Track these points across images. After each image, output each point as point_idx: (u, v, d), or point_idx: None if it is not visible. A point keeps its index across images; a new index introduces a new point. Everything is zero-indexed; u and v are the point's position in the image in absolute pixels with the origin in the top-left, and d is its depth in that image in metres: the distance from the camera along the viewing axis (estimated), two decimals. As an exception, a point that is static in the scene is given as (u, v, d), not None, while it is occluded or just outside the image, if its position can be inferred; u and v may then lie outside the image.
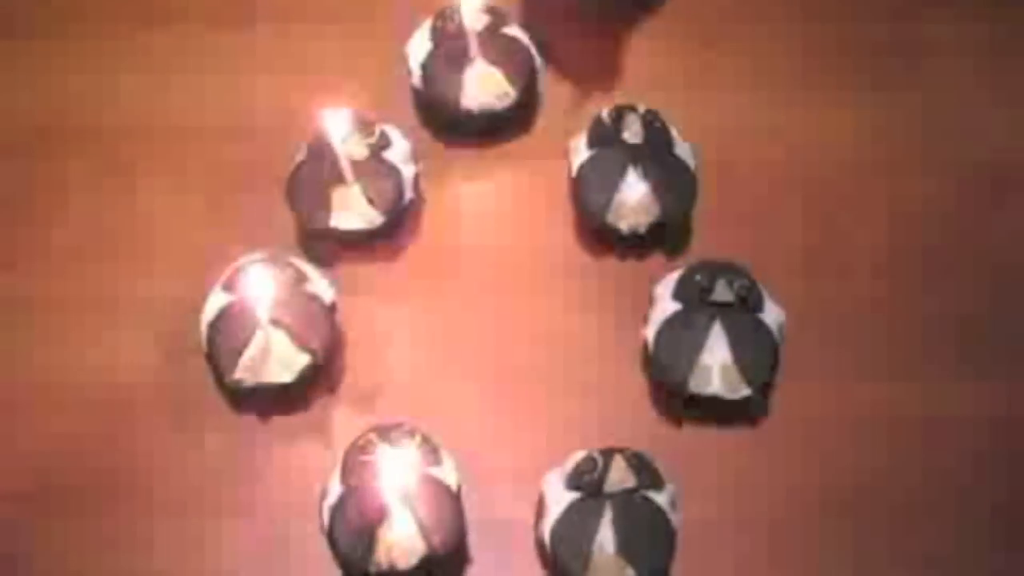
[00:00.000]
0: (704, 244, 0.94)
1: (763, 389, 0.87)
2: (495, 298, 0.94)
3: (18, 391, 0.92)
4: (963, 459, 0.88)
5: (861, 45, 1.02)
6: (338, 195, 0.91)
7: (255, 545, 0.87)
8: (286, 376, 0.87)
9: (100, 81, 1.02)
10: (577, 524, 0.82)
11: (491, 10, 0.97)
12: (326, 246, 0.94)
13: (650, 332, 0.88)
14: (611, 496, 0.82)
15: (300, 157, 0.93)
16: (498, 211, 0.97)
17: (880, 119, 0.99)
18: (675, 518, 0.82)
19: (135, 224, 0.97)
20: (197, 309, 0.89)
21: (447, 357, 0.92)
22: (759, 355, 0.86)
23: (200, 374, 0.90)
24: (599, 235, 0.93)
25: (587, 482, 0.82)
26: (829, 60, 1.01)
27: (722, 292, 0.86)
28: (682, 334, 0.86)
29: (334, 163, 0.90)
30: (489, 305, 0.93)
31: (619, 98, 0.95)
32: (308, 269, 0.90)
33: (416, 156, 0.94)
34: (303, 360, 0.87)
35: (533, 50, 0.97)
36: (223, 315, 0.87)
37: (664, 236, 0.93)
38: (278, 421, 0.90)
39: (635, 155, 0.91)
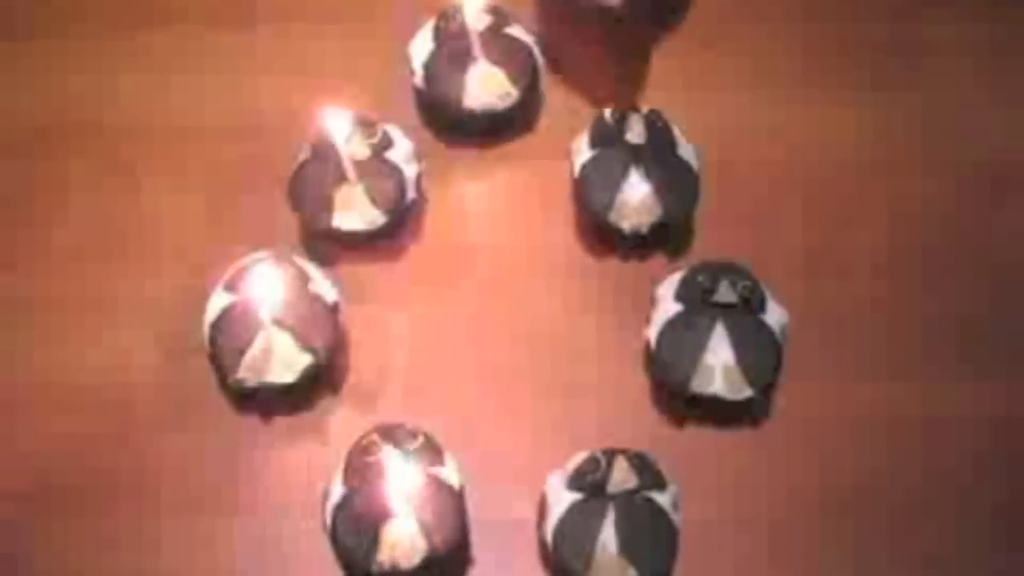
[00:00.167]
0: (706, 245, 0.94)
1: (765, 390, 0.87)
2: (497, 298, 0.94)
3: (18, 391, 0.92)
4: (963, 459, 0.88)
5: (861, 45, 1.02)
6: (340, 195, 0.91)
7: (257, 545, 0.87)
8: (288, 376, 0.87)
9: (100, 81, 1.02)
10: (579, 525, 0.81)
11: (493, 10, 0.97)
12: (328, 246, 0.94)
13: (652, 333, 0.88)
14: (613, 497, 0.82)
15: (302, 157, 0.93)
16: (500, 211, 0.97)
17: (880, 119, 0.99)
18: (677, 519, 0.82)
19: (136, 224, 0.97)
20: (199, 309, 0.89)
21: (450, 357, 0.92)
22: (762, 356, 0.86)
23: (202, 374, 0.90)
24: (601, 235, 0.93)
25: (589, 483, 0.82)
26: (829, 60, 1.01)
27: (724, 293, 0.86)
28: (684, 335, 0.86)
29: (336, 163, 0.90)
30: (491, 305, 0.93)
31: (620, 99, 0.95)
32: (310, 269, 0.90)
33: (418, 156, 0.94)
34: (305, 360, 0.87)
35: (535, 50, 0.97)
36: (225, 315, 0.87)
37: (666, 236, 0.93)
38: (280, 421, 0.90)
39: (637, 155, 0.91)
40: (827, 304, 0.93)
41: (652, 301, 0.89)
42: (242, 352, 0.86)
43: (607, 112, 0.93)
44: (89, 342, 0.93)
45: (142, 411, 0.91)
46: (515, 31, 0.97)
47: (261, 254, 0.90)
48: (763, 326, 0.86)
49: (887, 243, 0.95)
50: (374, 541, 0.81)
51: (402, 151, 0.93)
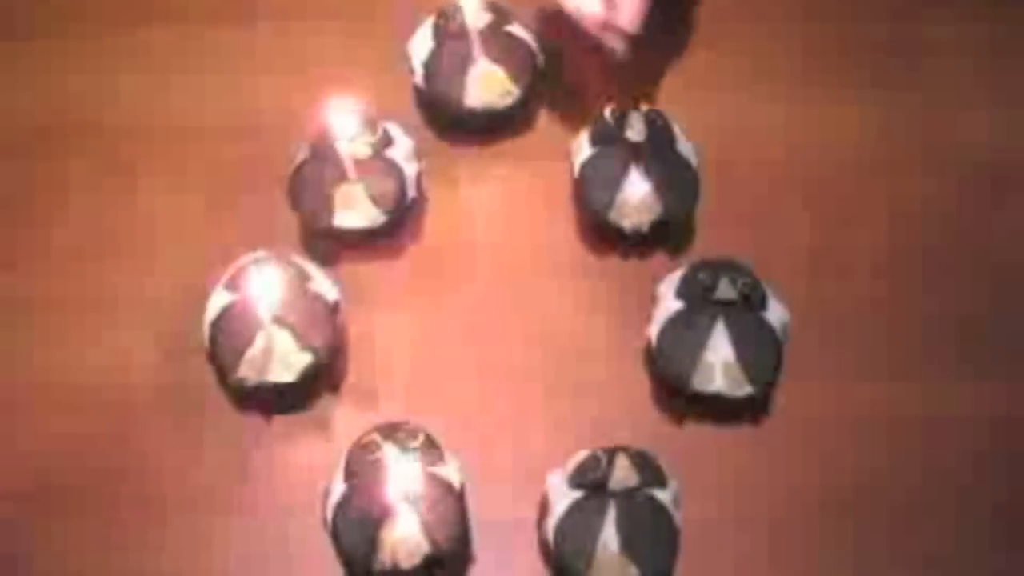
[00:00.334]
0: (706, 243, 0.94)
1: (766, 388, 0.87)
2: (498, 296, 0.94)
3: (18, 391, 0.92)
4: (963, 458, 0.88)
5: (861, 45, 1.02)
6: (341, 194, 0.91)
7: (258, 544, 0.87)
8: (289, 375, 0.87)
9: (100, 81, 1.02)
10: (581, 523, 0.81)
11: (493, 8, 0.97)
12: (329, 245, 0.94)
13: (653, 330, 0.88)
14: (614, 494, 0.82)
15: (302, 156, 0.93)
16: (500, 210, 0.97)
17: (880, 118, 0.99)
18: (678, 516, 0.82)
19: (136, 224, 0.97)
20: (198, 309, 0.89)
21: (450, 356, 0.92)
22: (762, 353, 0.86)
23: (202, 373, 0.90)
24: (602, 233, 0.94)
25: (591, 480, 0.82)
26: (829, 60, 1.02)
27: (725, 290, 0.86)
28: (685, 332, 0.86)
29: (336, 162, 0.90)
30: (492, 303, 0.93)
31: (621, 98, 0.95)
32: (311, 268, 0.90)
33: (419, 155, 0.94)
34: (306, 359, 0.87)
35: (535, 48, 0.97)
36: (226, 314, 0.87)
37: (667, 235, 0.93)
38: (280, 420, 0.90)
39: (638, 153, 0.91)
40: (827, 303, 0.93)
41: (653, 299, 0.89)
42: (242, 351, 0.86)
43: (607, 110, 0.93)
44: (89, 342, 0.93)
45: (142, 411, 0.91)
46: (515, 29, 0.97)
47: (261, 253, 0.90)
48: (764, 324, 0.87)
49: (887, 242, 0.95)
50: (375, 540, 0.81)
51: (402, 150, 0.93)
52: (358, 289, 0.92)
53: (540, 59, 0.98)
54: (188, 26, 1.04)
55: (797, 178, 0.97)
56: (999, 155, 0.98)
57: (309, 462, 0.88)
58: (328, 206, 0.91)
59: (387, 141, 0.93)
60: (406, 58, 0.97)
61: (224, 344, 0.87)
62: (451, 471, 0.83)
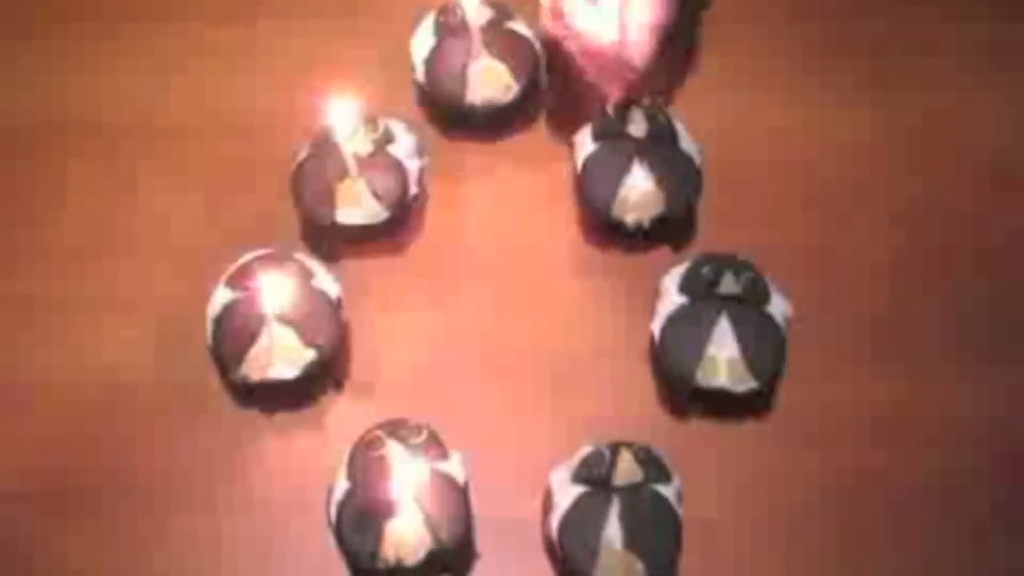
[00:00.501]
0: (708, 239, 0.94)
1: (770, 382, 0.87)
2: (500, 293, 0.94)
3: (19, 391, 0.91)
4: (965, 457, 0.88)
5: (861, 44, 1.02)
6: (343, 190, 0.91)
7: (261, 542, 0.86)
8: (291, 372, 0.87)
9: (101, 80, 1.02)
10: (585, 518, 0.81)
11: (494, 5, 0.97)
12: (331, 242, 0.94)
13: (656, 325, 0.87)
14: (618, 490, 0.82)
15: (304, 153, 0.93)
16: (503, 205, 0.97)
17: (880, 118, 0.99)
18: (682, 511, 0.82)
19: (136, 223, 0.97)
20: (200, 308, 0.89)
21: (453, 352, 0.92)
22: (766, 348, 0.86)
23: (204, 371, 0.90)
24: (604, 229, 0.94)
25: (595, 476, 0.82)
26: (830, 59, 1.02)
27: (728, 285, 0.86)
28: (688, 327, 0.86)
29: (338, 159, 0.90)
30: (495, 299, 0.93)
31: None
32: (313, 265, 0.90)
33: (420, 151, 0.94)
34: (309, 356, 0.87)
35: (536, 44, 0.97)
36: (228, 311, 0.87)
37: (669, 230, 0.93)
38: (284, 417, 0.90)
39: (640, 148, 0.91)
40: (829, 301, 0.93)
41: (656, 294, 0.89)
42: (245, 348, 0.86)
43: (609, 106, 0.93)
44: (89, 342, 0.93)
45: (144, 410, 0.90)
46: (516, 25, 0.97)
47: (264, 250, 0.89)
48: (767, 318, 0.87)
49: (888, 241, 0.95)
50: (379, 537, 0.80)
51: (404, 146, 0.93)
52: (361, 285, 0.92)
53: (541, 55, 0.98)
54: (188, 24, 1.04)
55: (798, 176, 0.97)
56: (1000, 155, 0.98)
57: (312, 459, 0.87)
58: (330, 203, 0.91)
59: (389, 138, 0.92)
60: (407, 55, 0.97)
61: (227, 341, 0.87)
62: (455, 467, 0.83)
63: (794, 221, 0.96)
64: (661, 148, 0.91)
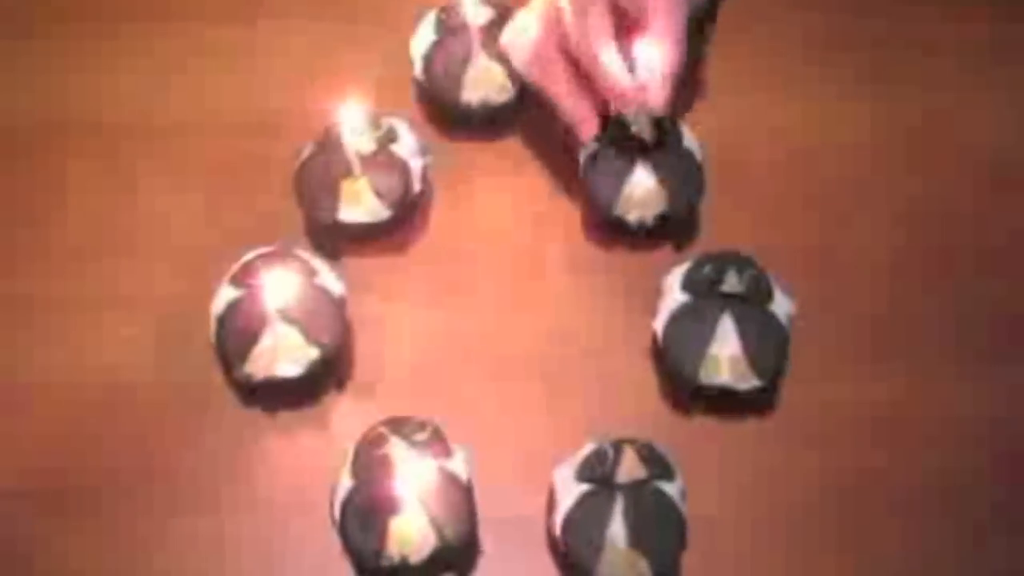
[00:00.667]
0: (711, 238, 0.94)
1: (773, 380, 0.87)
2: (504, 291, 0.94)
3: (19, 391, 0.91)
4: (966, 456, 0.88)
5: (862, 44, 1.03)
6: (346, 189, 0.91)
7: (265, 541, 0.86)
8: (295, 370, 0.87)
9: (101, 79, 1.02)
10: (588, 516, 0.81)
11: (495, 5, 0.97)
12: (334, 240, 0.94)
13: (659, 324, 0.88)
14: (622, 488, 0.82)
15: (307, 151, 0.93)
16: (506, 204, 0.97)
17: (880, 118, 1.00)
18: (686, 509, 0.82)
19: (138, 222, 0.97)
20: (203, 306, 0.89)
21: (456, 350, 0.92)
22: (768, 346, 0.86)
23: (207, 370, 0.90)
24: (607, 227, 0.94)
25: (598, 474, 0.82)
26: (830, 58, 1.02)
27: (731, 283, 0.87)
28: (691, 325, 0.87)
29: (342, 157, 0.90)
30: (498, 298, 0.93)
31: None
32: (317, 263, 0.90)
33: (424, 150, 0.94)
34: (312, 354, 0.87)
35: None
36: (232, 309, 0.87)
37: (672, 228, 0.93)
38: (287, 415, 0.89)
39: (642, 147, 0.91)
40: (830, 300, 0.93)
41: (658, 292, 0.89)
42: (249, 346, 0.86)
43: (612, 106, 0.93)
44: (91, 341, 0.92)
45: (146, 409, 0.90)
46: (517, 26, 0.97)
47: (267, 249, 0.89)
48: (770, 316, 0.87)
49: (889, 241, 0.95)
50: (383, 534, 0.80)
51: (407, 145, 0.93)
52: (364, 283, 0.92)
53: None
54: (188, 24, 1.04)
55: (799, 175, 0.98)
56: (1000, 154, 0.99)
57: (316, 457, 0.87)
58: (333, 201, 0.91)
59: (392, 136, 0.93)
60: (409, 55, 0.97)
61: (230, 339, 0.87)
62: (459, 465, 0.83)
63: (795, 220, 0.96)
64: (663, 147, 0.91)
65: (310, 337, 0.86)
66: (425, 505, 0.81)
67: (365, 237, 0.93)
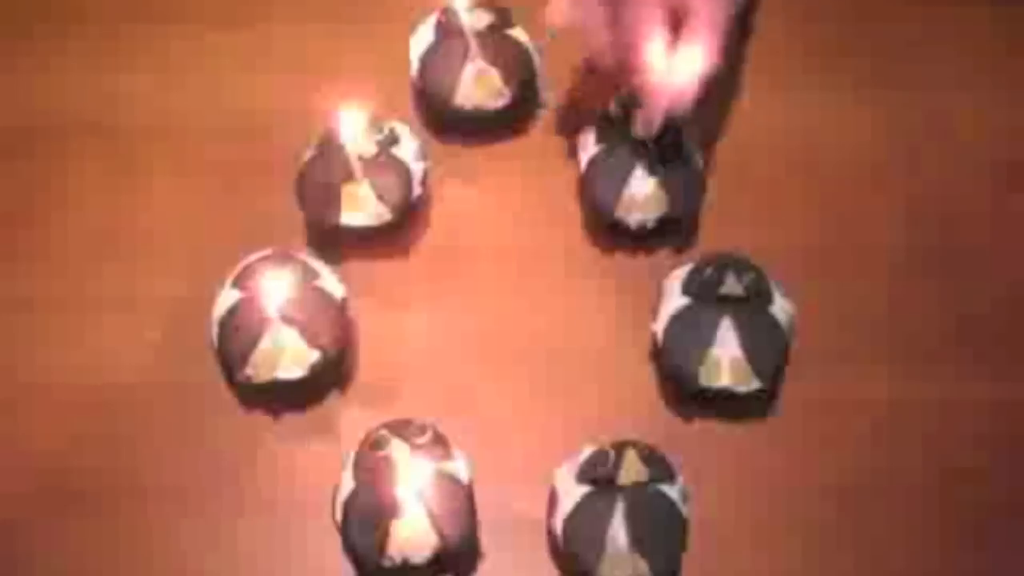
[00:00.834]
0: (712, 240, 0.94)
1: (773, 382, 0.87)
2: (505, 294, 0.94)
3: (19, 391, 0.91)
4: (972, 456, 0.89)
5: (862, 45, 1.03)
6: (347, 192, 0.91)
7: (266, 543, 0.87)
8: (296, 373, 0.87)
9: (103, 81, 1.02)
10: (589, 518, 0.81)
11: (496, 11, 0.97)
12: (335, 243, 0.94)
13: (660, 326, 0.88)
14: (623, 489, 0.82)
15: (309, 155, 0.93)
16: (507, 207, 0.97)
17: (880, 118, 1.00)
18: (687, 511, 0.83)
19: (140, 223, 0.97)
20: (204, 308, 0.89)
21: (457, 353, 0.92)
22: (769, 348, 0.87)
23: (209, 372, 0.90)
24: (608, 230, 0.94)
25: (599, 476, 0.82)
26: (830, 59, 1.02)
27: (731, 285, 0.87)
28: (692, 328, 0.87)
29: (343, 160, 0.90)
30: (499, 301, 0.94)
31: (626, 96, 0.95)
32: (318, 266, 0.90)
33: (425, 153, 0.94)
34: (313, 357, 0.87)
35: (533, 53, 0.98)
36: (233, 312, 0.87)
37: (673, 231, 0.94)
38: (289, 418, 0.90)
39: (643, 150, 0.91)
40: (832, 300, 0.93)
41: (659, 294, 0.89)
42: (250, 349, 0.86)
43: (612, 108, 0.93)
44: (93, 342, 0.93)
45: (147, 411, 0.90)
46: (516, 33, 0.97)
47: (268, 251, 0.90)
48: (770, 318, 0.87)
49: (890, 241, 0.96)
50: (384, 536, 0.81)
51: (408, 148, 0.93)
52: (365, 287, 0.92)
53: (538, 63, 0.98)
54: (189, 27, 1.04)
55: (799, 176, 0.98)
56: (1000, 154, 0.99)
57: (317, 460, 0.88)
58: (335, 205, 0.91)
59: (393, 140, 0.93)
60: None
61: (232, 342, 0.87)
62: (459, 467, 0.83)
63: (795, 223, 0.96)
64: (670, 150, 0.92)
65: (311, 340, 0.87)
66: (426, 507, 0.81)
67: (366, 240, 0.93)
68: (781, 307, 0.88)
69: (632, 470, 0.82)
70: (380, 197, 0.91)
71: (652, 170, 0.91)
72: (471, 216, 0.97)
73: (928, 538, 0.86)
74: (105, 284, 0.95)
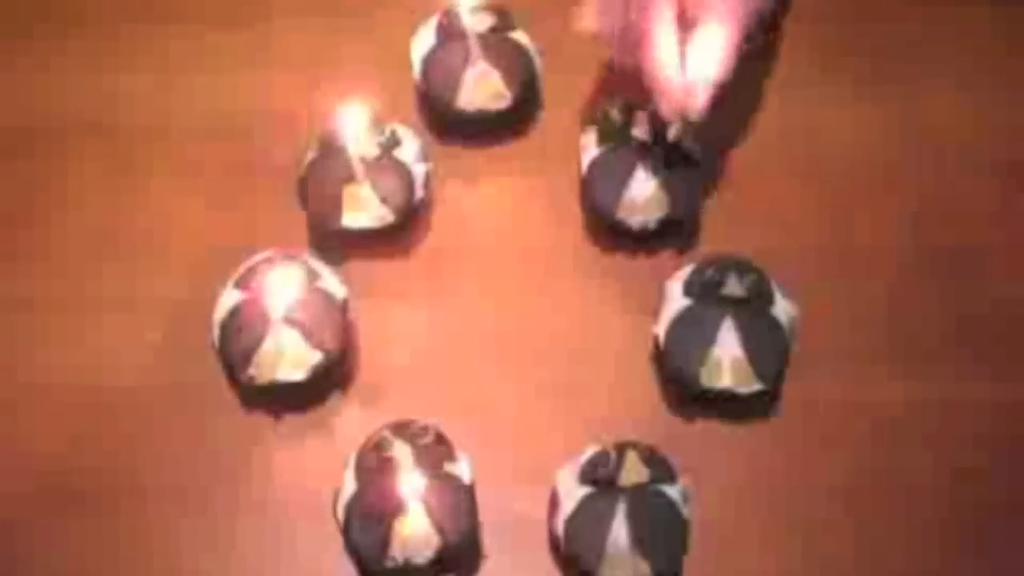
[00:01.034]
0: (713, 241, 0.95)
1: (775, 383, 0.88)
2: (506, 295, 0.94)
3: (19, 391, 0.91)
4: (974, 456, 0.89)
5: (862, 45, 1.03)
6: (349, 194, 0.91)
7: (268, 544, 0.87)
8: (298, 374, 0.87)
9: (104, 81, 1.02)
10: (591, 519, 0.82)
11: (497, 13, 0.97)
12: (337, 244, 0.94)
13: (661, 327, 0.88)
14: (624, 490, 0.82)
15: (311, 156, 0.93)
16: (508, 209, 0.97)
17: (880, 118, 1.00)
18: (688, 512, 0.83)
19: (142, 224, 0.97)
20: (206, 309, 0.89)
21: (459, 354, 0.92)
22: (770, 349, 0.87)
23: (210, 373, 0.90)
24: (609, 232, 0.94)
25: (600, 476, 0.82)
26: (831, 60, 1.02)
27: (733, 287, 0.87)
28: (693, 329, 0.87)
29: (345, 162, 0.90)
30: (500, 302, 0.94)
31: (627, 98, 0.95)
32: (320, 267, 0.90)
33: (427, 155, 0.94)
34: (315, 358, 0.87)
35: (535, 55, 0.98)
36: (235, 313, 0.87)
37: (674, 232, 0.94)
38: (290, 419, 0.90)
39: (644, 151, 0.91)
40: (834, 301, 0.93)
41: (661, 296, 0.89)
42: (252, 350, 0.86)
43: (614, 109, 0.93)
44: (92, 343, 0.93)
45: (148, 412, 0.90)
46: (518, 35, 0.98)
47: (270, 253, 0.90)
48: (772, 320, 0.87)
49: (892, 241, 0.95)
50: (386, 537, 0.81)
51: (410, 150, 0.93)
52: (367, 288, 0.92)
53: (539, 65, 0.98)
54: (195, 26, 1.04)
55: (800, 177, 0.98)
56: (1001, 154, 0.99)
57: (319, 461, 0.88)
58: (337, 206, 0.91)
59: (395, 141, 0.93)
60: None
61: (233, 343, 0.87)
62: (461, 468, 0.83)
63: (796, 224, 0.96)
64: (675, 153, 0.92)
65: (313, 341, 0.87)
66: (428, 507, 0.81)
67: (368, 241, 0.93)
68: (782, 308, 0.88)
69: (633, 471, 0.82)
70: (382, 199, 0.91)
71: (654, 172, 0.91)
72: (473, 218, 0.97)
73: (929, 538, 0.86)
74: (105, 284, 0.95)
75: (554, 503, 0.84)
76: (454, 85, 0.95)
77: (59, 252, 0.96)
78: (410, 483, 0.81)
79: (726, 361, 0.86)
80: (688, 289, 0.88)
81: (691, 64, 0.86)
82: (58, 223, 0.97)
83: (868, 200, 0.97)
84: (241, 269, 0.89)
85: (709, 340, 0.86)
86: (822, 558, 0.86)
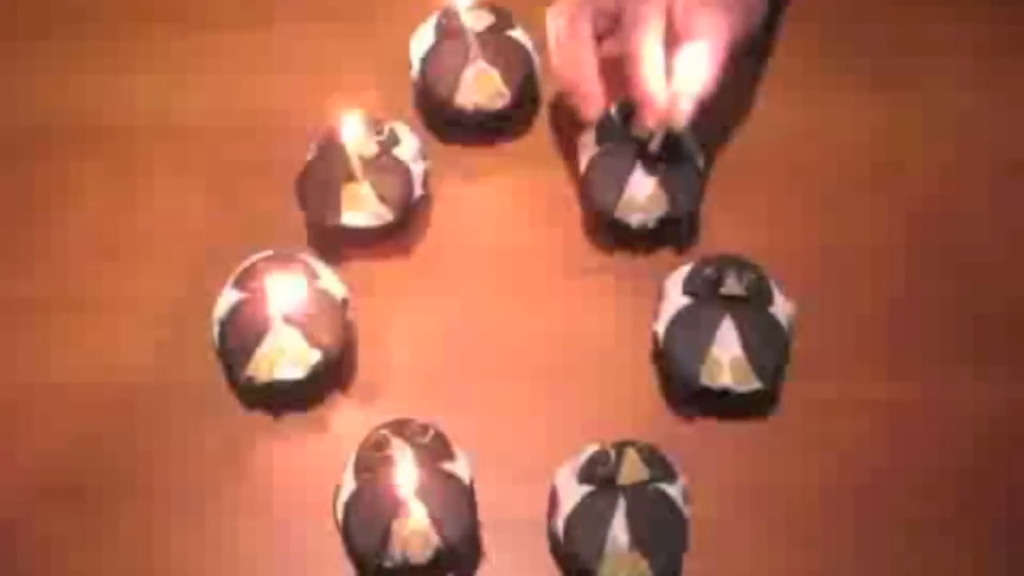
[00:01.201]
0: (712, 240, 0.94)
1: (774, 382, 0.87)
2: (506, 294, 0.94)
3: (20, 391, 0.91)
4: (973, 456, 0.89)
5: (862, 45, 1.03)
6: (348, 193, 0.91)
7: (267, 543, 0.86)
8: (298, 373, 0.87)
9: (104, 82, 1.02)
10: (590, 517, 0.82)
11: (496, 11, 0.97)
12: (337, 243, 0.94)
13: (660, 326, 0.88)
14: (624, 489, 0.82)
15: (310, 155, 0.93)
16: (508, 208, 0.97)
17: (880, 118, 1.00)
18: (688, 510, 0.83)
19: (143, 224, 0.97)
20: (205, 308, 0.89)
21: (458, 353, 0.92)
22: (769, 348, 0.87)
23: (210, 372, 0.90)
24: (608, 230, 0.94)
25: (600, 475, 0.82)
26: (831, 60, 1.02)
27: (732, 285, 0.87)
28: (692, 328, 0.87)
29: (344, 161, 0.90)
30: (500, 301, 0.94)
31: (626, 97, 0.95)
32: (319, 266, 0.90)
33: (425, 153, 0.94)
34: (315, 357, 0.87)
35: (533, 53, 0.98)
36: (235, 312, 0.87)
37: (673, 231, 0.94)
38: (290, 418, 0.90)
39: (643, 149, 0.91)
40: (833, 301, 0.93)
41: (660, 295, 0.89)
42: (252, 349, 0.86)
43: (613, 109, 0.93)
44: (93, 342, 0.93)
45: (149, 411, 0.90)
46: (516, 34, 0.98)
47: (270, 252, 0.90)
48: (771, 318, 0.87)
49: (891, 242, 0.95)
50: (385, 536, 0.81)
51: (409, 148, 0.93)
52: (366, 286, 0.92)
53: (538, 64, 0.98)
54: (191, 28, 1.04)
55: (800, 176, 0.98)
56: (1001, 154, 0.99)
57: (318, 460, 0.88)
58: (336, 205, 0.91)
59: (394, 140, 0.93)
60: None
61: (233, 342, 0.87)
62: (461, 467, 0.83)
63: (795, 223, 0.96)
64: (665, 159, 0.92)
65: (312, 340, 0.87)
66: (427, 507, 0.81)
67: (367, 240, 0.93)
68: (781, 307, 0.88)
69: (633, 470, 0.82)
70: (381, 197, 0.91)
71: (652, 170, 0.91)
72: (472, 216, 0.97)
73: (929, 538, 0.86)
74: (105, 284, 0.95)
75: (554, 502, 0.84)
76: (453, 83, 0.95)
77: (59, 252, 0.96)
78: (409, 482, 0.80)
79: (725, 360, 0.86)
80: (687, 288, 0.88)
81: (676, 78, 0.87)
82: (58, 223, 0.97)
83: (866, 200, 0.97)
84: (240, 268, 0.89)
85: (708, 339, 0.86)
86: (821, 557, 0.86)
